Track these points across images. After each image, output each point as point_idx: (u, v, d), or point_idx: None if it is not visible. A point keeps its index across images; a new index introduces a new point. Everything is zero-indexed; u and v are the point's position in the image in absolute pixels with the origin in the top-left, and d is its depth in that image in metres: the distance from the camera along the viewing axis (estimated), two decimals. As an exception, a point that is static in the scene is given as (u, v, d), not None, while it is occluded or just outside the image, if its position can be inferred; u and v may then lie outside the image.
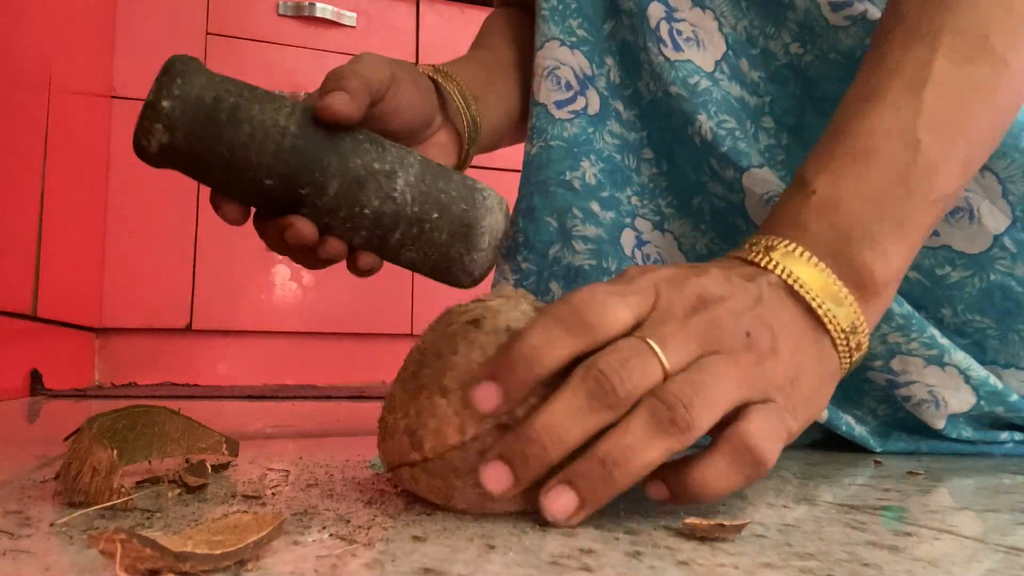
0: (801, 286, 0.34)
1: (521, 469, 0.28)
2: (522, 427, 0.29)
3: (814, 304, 0.34)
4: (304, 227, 0.43)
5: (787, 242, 0.35)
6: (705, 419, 0.29)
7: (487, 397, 0.29)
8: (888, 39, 0.40)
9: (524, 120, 0.63)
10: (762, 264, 0.35)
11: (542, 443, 0.28)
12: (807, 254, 0.35)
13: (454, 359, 0.31)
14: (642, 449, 0.28)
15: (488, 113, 0.59)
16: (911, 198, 0.37)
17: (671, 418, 0.28)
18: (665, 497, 0.30)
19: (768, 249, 0.35)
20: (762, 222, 0.39)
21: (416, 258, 0.48)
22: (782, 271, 0.34)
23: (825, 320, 0.34)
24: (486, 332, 0.31)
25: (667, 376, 0.30)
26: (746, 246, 0.36)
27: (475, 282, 0.49)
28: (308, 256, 0.47)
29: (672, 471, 0.30)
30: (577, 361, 0.30)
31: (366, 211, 0.44)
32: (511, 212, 0.62)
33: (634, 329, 0.31)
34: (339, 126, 0.43)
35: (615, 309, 0.30)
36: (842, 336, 0.34)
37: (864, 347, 0.36)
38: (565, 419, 0.28)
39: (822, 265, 0.35)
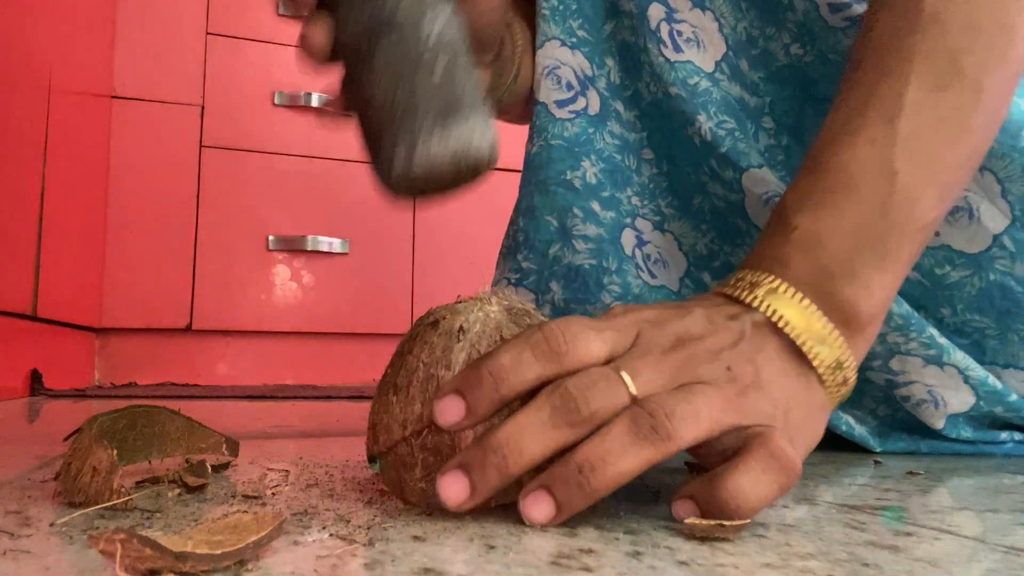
0: (785, 323, 0.34)
1: (479, 479, 0.28)
2: (484, 437, 0.29)
3: (798, 341, 0.34)
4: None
5: (771, 278, 0.35)
6: (687, 431, 0.29)
7: (450, 410, 0.29)
8: (861, 67, 0.40)
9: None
10: (746, 301, 0.35)
11: (503, 453, 0.28)
12: (791, 291, 0.35)
13: (408, 358, 0.32)
14: (620, 456, 0.28)
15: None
16: (892, 230, 0.36)
17: (652, 425, 0.28)
18: (693, 515, 0.29)
19: (753, 286, 0.35)
20: (747, 256, 0.39)
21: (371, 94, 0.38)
22: (766, 308, 0.34)
23: (810, 356, 0.34)
24: (439, 333, 0.32)
25: (634, 402, 0.30)
26: (732, 281, 0.36)
27: (395, 176, 0.38)
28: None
29: (702, 486, 0.29)
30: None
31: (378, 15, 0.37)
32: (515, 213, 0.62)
33: (608, 363, 0.31)
34: None
35: (588, 341, 0.31)
36: (828, 372, 0.34)
37: (852, 382, 0.36)
38: (527, 433, 0.28)
39: (807, 302, 0.34)
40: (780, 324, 0.34)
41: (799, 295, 0.35)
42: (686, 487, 0.30)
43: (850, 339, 0.36)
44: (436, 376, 0.31)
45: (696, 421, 0.29)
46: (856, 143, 0.37)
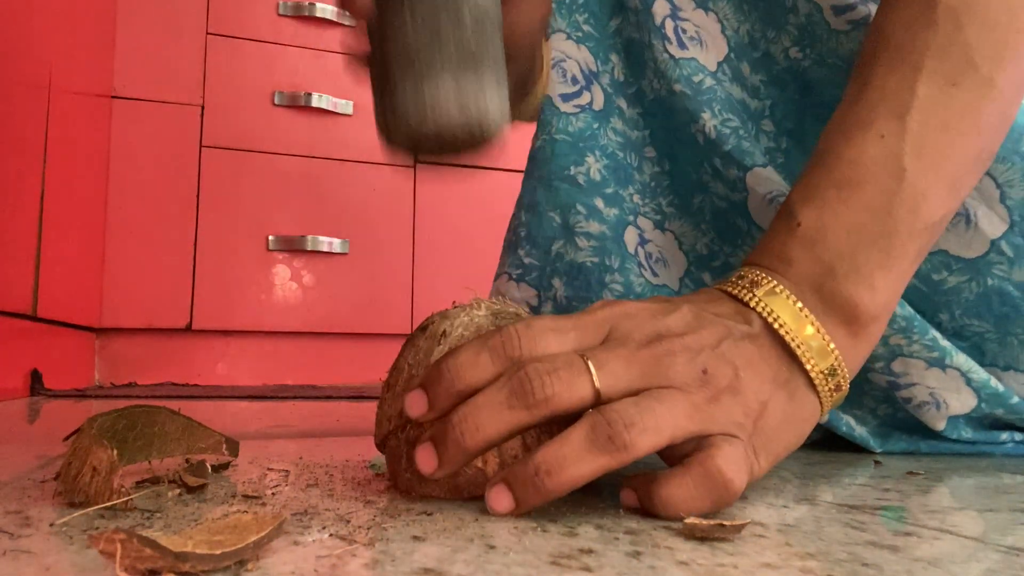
0: (781, 326, 0.34)
1: (443, 453, 0.31)
2: (448, 415, 0.31)
3: (792, 345, 0.34)
4: None
5: (771, 280, 0.35)
6: (645, 442, 0.29)
7: (415, 403, 0.32)
8: (872, 62, 0.39)
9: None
10: (745, 300, 0.35)
11: (460, 430, 0.30)
12: (789, 295, 0.35)
13: (399, 360, 0.35)
14: (575, 462, 0.29)
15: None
16: (898, 228, 0.36)
17: (609, 435, 0.29)
18: (633, 504, 0.31)
19: (753, 285, 0.35)
20: (751, 251, 0.39)
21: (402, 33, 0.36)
22: (763, 309, 0.34)
23: (803, 360, 0.34)
24: (425, 337, 0.35)
25: (598, 395, 0.30)
26: (734, 278, 0.36)
27: (398, 117, 0.36)
28: None
29: (643, 483, 0.30)
30: None
31: None
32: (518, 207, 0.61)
33: None
34: None
35: (546, 343, 0.32)
36: (821, 378, 0.34)
37: (845, 389, 0.36)
38: (483, 412, 0.30)
39: (807, 311, 0.34)
40: (776, 327, 0.34)
41: (796, 300, 0.35)
42: (632, 479, 0.31)
43: (852, 339, 0.35)
44: (417, 376, 0.34)
45: (656, 432, 0.30)
46: (865, 138, 0.37)
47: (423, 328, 0.36)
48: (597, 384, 0.30)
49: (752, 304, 0.35)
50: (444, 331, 0.34)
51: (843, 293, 0.35)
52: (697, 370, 0.32)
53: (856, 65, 0.41)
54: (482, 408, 0.30)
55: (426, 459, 0.31)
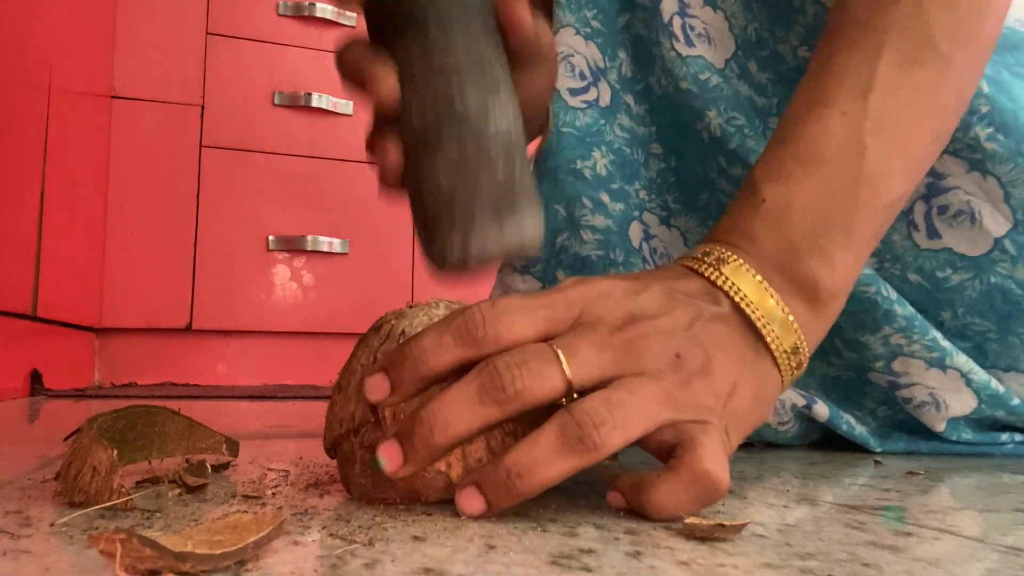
0: (748, 305, 0.34)
1: (410, 450, 0.30)
2: (416, 410, 0.30)
3: (759, 324, 0.34)
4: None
5: (737, 258, 0.35)
6: (615, 439, 0.29)
7: (376, 386, 0.31)
8: (835, 38, 0.40)
9: None
10: (711, 278, 0.35)
11: (429, 425, 0.29)
12: (757, 277, 0.35)
13: (351, 361, 0.34)
14: (546, 464, 0.29)
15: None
16: (857, 206, 0.37)
17: (579, 436, 0.29)
18: (621, 506, 0.31)
19: (719, 262, 0.35)
20: (715, 225, 0.39)
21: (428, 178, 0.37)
22: (730, 287, 0.34)
23: (768, 339, 0.34)
24: (379, 337, 0.34)
25: (569, 386, 0.30)
26: (698, 254, 0.36)
27: (448, 264, 0.38)
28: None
29: (631, 487, 0.30)
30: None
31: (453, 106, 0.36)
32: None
33: (547, 340, 0.31)
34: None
35: (510, 324, 0.31)
36: (784, 357, 0.35)
37: (804, 366, 0.36)
38: (453, 407, 0.29)
39: (772, 290, 0.35)
40: (743, 306, 0.34)
41: (765, 282, 0.35)
42: (619, 480, 0.31)
43: (812, 316, 0.36)
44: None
45: (626, 428, 0.29)
46: (828, 115, 0.38)
47: (377, 328, 0.34)
48: (568, 375, 0.30)
49: (720, 283, 0.35)
50: (403, 331, 0.33)
51: (804, 272, 0.36)
52: (671, 354, 0.32)
53: (820, 38, 0.41)
54: (451, 404, 0.30)
55: (392, 456, 0.30)
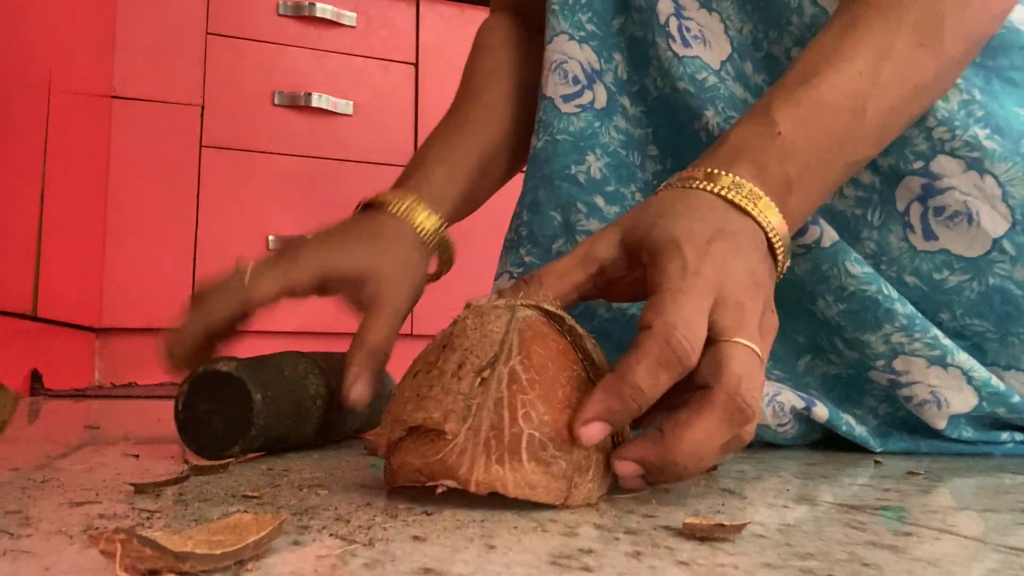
0: (779, 238, 0.37)
1: (656, 479, 0.32)
2: (671, 447, 0.31)
3: (780, 257, 0.38)
4: None
5: (763, 195, 0.37)
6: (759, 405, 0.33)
7: (595, 436, 0.31)
8: (862, 4, 0.42)
9: (522, 161, 0.65)
10: (752, 213, 0.37)
11: (683, 466, 0.31)
12: (777, 211, 0.38)
13: (453, 340, 0.34)
14: (712, 453, 0.32)
15: (477, 199, 0.62)
16: (840, 159, 0.40)
17: (743, 419, 0.32)
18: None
19: (755, 198, 0.37)
20: (726, 140, 0.40)
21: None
22: (767, 223, 0.37)
23: (781, 268, 0.38)
24: (460, 376, 0.32)
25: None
26: (728, 184, 0.37)
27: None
28: None
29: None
30: None
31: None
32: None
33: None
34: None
35: (702, 332, 0.32)
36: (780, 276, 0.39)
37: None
38: (706, 447, 0.31)
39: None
40: (774, 238, 0.37)
41: (782, 217, 0.38)
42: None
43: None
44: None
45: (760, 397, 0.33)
46: (848, 71, 0.40)
47: (447, 345, 0.33)
48: (756, 350, 0.33)
49: (759, 219, 0.37)
50: (481, 367, 0.32)
51: (790, 207, 0.39)
52: (773, 327, 0.36)
53: (842, 2, 0.44)
54: (704, 445, 0.31)
55: (629, 471, 0.32)
